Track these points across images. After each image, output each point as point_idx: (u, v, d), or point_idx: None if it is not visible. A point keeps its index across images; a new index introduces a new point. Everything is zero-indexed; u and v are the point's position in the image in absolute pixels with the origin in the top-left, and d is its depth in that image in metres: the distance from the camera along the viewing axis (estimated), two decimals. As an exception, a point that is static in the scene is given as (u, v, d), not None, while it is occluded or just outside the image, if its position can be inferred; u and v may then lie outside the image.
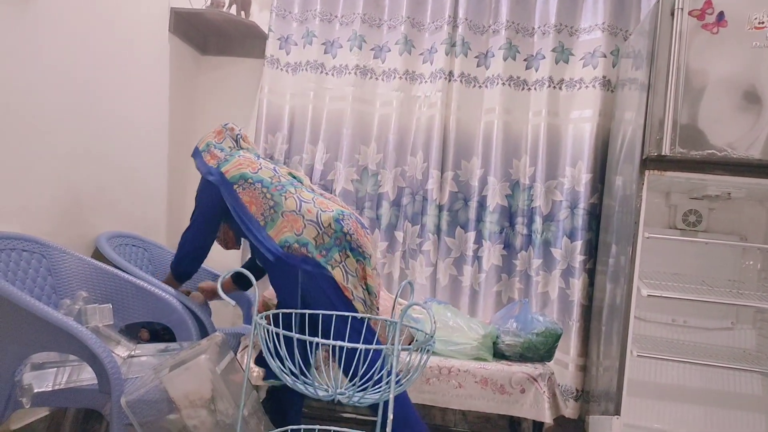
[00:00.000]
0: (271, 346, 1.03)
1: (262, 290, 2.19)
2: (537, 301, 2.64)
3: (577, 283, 2.56)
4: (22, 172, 1.87)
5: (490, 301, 2.68)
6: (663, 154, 1.93)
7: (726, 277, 2.24)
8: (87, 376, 1.59)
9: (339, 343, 0.98)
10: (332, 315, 1.53)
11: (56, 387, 1.57)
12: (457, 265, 2.73)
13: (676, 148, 1.93)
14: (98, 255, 2.17)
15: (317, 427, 1.31)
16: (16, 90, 1.82)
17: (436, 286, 2.73)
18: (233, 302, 1.14)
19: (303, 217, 1.78)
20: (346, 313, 1.57)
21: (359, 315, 1.59)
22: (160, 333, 2.15)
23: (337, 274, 1.72)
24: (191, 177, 3.02)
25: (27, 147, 1.88)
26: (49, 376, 1.59)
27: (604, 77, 2.59)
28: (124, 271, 2.00)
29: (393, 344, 1.01)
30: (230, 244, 2.16)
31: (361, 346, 0.99)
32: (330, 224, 1.77)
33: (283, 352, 1.03)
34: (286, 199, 1.81)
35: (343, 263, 1.75)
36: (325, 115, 2.83)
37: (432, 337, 1.08)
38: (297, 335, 0.98)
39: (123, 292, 1.89)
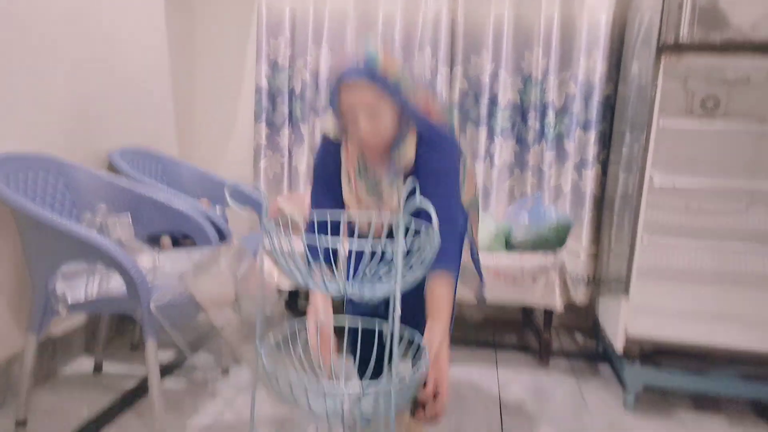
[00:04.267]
0: (277, 248, 1.04)
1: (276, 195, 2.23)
2: (550, 195, 2.65)
3: (590, 174, 2.55)
4: (31, 87, 1.85)
5: (503, 197, 2.70)
6: (680, 38, 1.84)
7: (743, 161, 2.21)
8: (116, 283, 1.66)
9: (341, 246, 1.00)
10: None
11: (88, 297, 1.66)
12: (468, 163, 2.72)
13: (695, 31, 1.84)
14: (113, 170, 2.20)
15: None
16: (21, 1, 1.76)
17: (448, 185, 2.74)
18: (244, 210, 1.16)
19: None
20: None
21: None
22: (180, 239, 2.22)
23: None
24: (196, 86, 2.99)
25: (34, 60, 1.84)
26: (81, 285, 1.68)
27: (622, -45, 2.42)
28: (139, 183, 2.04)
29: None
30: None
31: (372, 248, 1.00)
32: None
33: (289, 249, 1.02)
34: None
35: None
36: (327, 16, 2.71)
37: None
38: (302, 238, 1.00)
39: (140, 205, 1.93)
